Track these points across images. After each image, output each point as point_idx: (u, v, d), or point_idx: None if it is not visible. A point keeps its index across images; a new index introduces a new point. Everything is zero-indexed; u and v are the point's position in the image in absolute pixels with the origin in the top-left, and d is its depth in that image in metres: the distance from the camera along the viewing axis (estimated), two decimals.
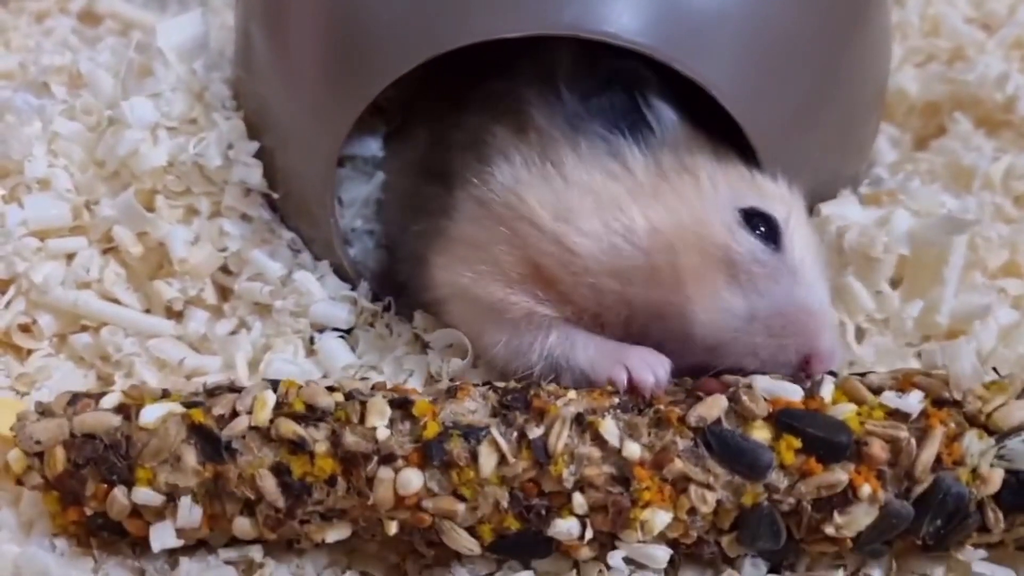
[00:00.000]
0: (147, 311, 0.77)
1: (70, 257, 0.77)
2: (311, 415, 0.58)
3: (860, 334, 0.70)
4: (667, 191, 0.63)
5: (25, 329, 0.75)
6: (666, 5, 0.65)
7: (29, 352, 0.76)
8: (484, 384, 0.62)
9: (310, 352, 0.74)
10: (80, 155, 0.79)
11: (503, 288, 0.64)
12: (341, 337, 0.75)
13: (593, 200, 0.63)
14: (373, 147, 0.84)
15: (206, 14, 0.85)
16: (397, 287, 0.77)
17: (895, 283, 0.72)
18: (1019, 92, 0.89)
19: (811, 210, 0.72)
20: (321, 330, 0.75)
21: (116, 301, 0.76)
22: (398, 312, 0.77)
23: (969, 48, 0.96)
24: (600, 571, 0.59)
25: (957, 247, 0.68)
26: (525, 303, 0.64)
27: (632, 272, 0.61)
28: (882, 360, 0.69)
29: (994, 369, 0.63)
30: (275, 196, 0.78)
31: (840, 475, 0.55)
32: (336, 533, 0.59)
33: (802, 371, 0.60)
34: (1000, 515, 0.56)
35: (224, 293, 0.79)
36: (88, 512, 0.60)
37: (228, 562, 0.61)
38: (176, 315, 0.77)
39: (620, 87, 0.66)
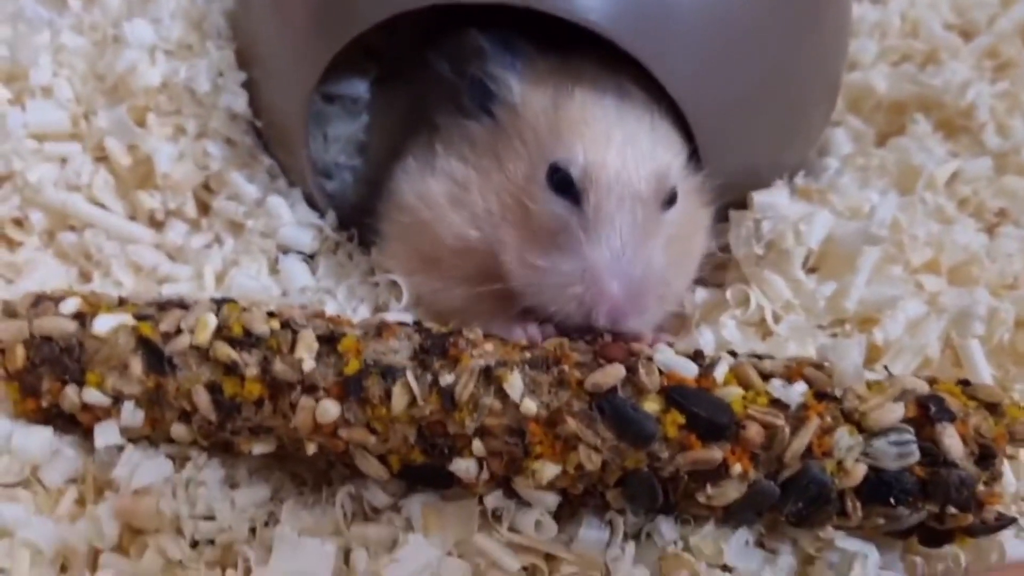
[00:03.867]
0: (132, 218, 0.79)
1: (64, 161, 0.79)
2: (247, 340, 0.60)
3: (776, 318, 0.71)
4: (496, 165, 0.65)
5: (17, 223, 0.78)
6: None
7: (19, 244, 0.78)
8: (414, 324, 0.64)
9: (274, 271, 0.77)
10: (83, 68, 0.81)
11: (408, 273, 0.70)
12: (304, 261, 0.77)
13: (451, 187, 0.66)
14: (361, 89, 0.84)
15: None
16: (366, 221, 0.78)
17: (814, 268, 0.73)
18: (979, 100, 0.88)
19: (744, 199, 0.72)
20: (286, 252, 0.77)
21: (102, 206, 0.79)
22: (362, 243, 0.78)
23: (943, 52, 0.95)
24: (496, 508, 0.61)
25: (869, 253, 0.69)
26: (426, 285, 0.69)
27: (481, 250, 0.65)
28: (794, 337, 0.70)
29: (885, 367, 0.64)
30: (258, 124, 0.80)
31: (716, 453, 0.56)
32: (262, 447, 0.62)
33: (591, 324, 0.61)
34: (858, 505, 0.57)
35: (204, 208, 0.81)
36: (44, 404, 0.63)
37: (169, 456, 0.64)
38: (158, 224, 0.80)
39: (461, 67, 0.68)
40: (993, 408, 0.59)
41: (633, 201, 0.61)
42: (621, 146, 0.63)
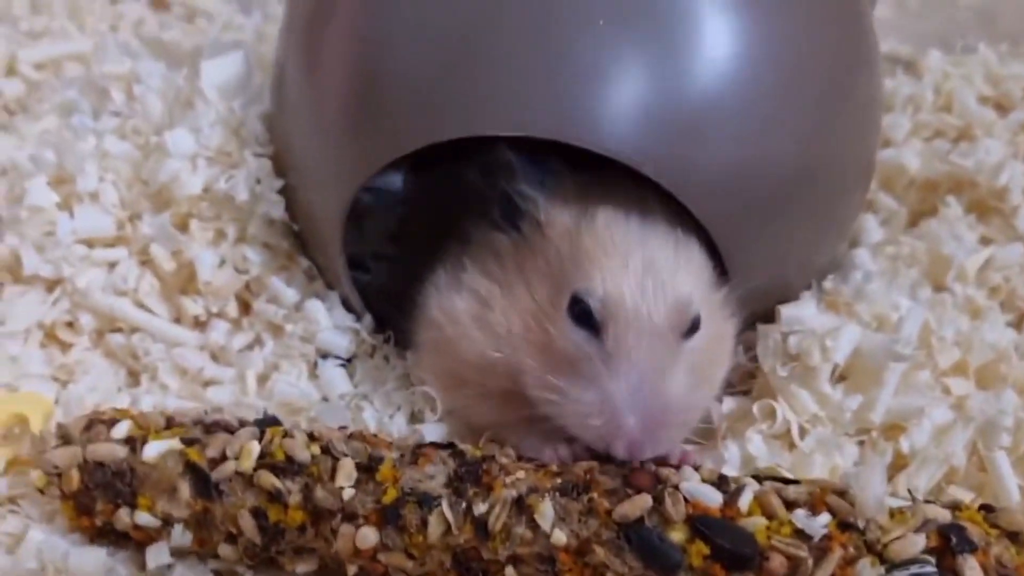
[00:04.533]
0: (176, 320, 0.83)
1: (111, 265, 0.83)
2: (289, 467, 0.63)
3: (803, 432, 0.72)
4: (521, 281, 0.67)
5: (68, 326, 0.82)
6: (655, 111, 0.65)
7: (70, 346, 0.82)
8: (447, 447, 0.66)
9: (313, 376, 0.79)
10: (127, 173, 0.84)
11: (440, 388, 0.72)
12: (342, 365, 0.80)
13: (475, 305, 0.68)
14: (396, 182, 0.86)
15: (249, 54, 0.87)
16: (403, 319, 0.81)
17: (843, 377, 0.74)
18: (1013, 182, 0.88)
19: (772, 312, 0.73)
20: (325, 356, 0.80)
21: (148, 310, 0.82)
22: (398, 343, 0.81)
23: (977, 128, 0.95)
24: None
25: (895, 368, 0.70)
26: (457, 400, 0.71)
27: (504, 370, 0.66)
28: (820, 449, 0.70)
29: (909, 491, 0.65)
30: (295, 228, 0.82)
31: None
32: (305, 567, 0.65)
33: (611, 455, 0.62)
34: None
35: (245, 307, 0.84)
36: (98, 523, 0.67)
37: (215, 571, 0.67)
38: (200, 325, 0.83)
39: (491, 181, 0.68)
40: (1015, 537, 0.60)
41: (652, 335, 0.62)
42: (642, 277, 0.63)
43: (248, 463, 0.63)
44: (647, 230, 0.66)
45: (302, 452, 0.64)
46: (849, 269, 0.81)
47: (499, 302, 0.67)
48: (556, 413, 0.64)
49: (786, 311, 0.72)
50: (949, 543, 0.58)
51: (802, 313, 0.71)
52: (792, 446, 0.70)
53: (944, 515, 0.60)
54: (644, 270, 0.64)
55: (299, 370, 0.78)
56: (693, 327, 0.65)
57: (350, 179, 0.73)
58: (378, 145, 0.71)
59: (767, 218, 0.70)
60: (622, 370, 0.62)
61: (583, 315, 0.63)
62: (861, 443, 0.72)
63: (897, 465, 0.70)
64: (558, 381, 0.63)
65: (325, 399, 0.76)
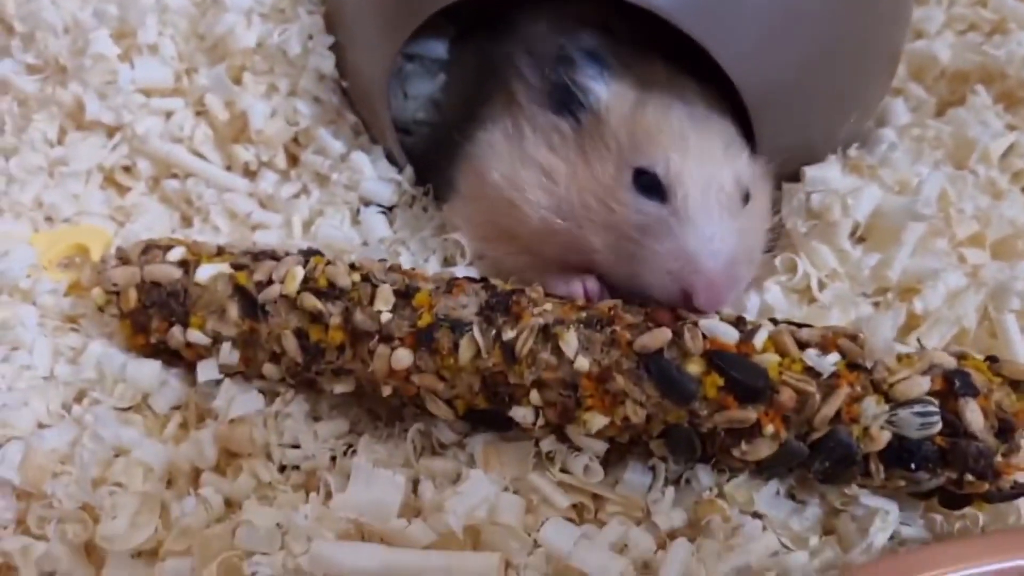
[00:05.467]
0: (228, 168, 0.86)
1: (168, 114, 0.87)
2: (331, 292, 0.67)
3: (821, 285, 0.74)
4: (583, 162, 0.70)
5: (126, 170, 0.86)
6: None
7: (127, 190, 0.86)
8: (480, 281, 0.69)
9: (355, 222, 0.83)
10: (185, 27, 0.87)
11: (481, 240, 0.75)
12: (382, 212, 0.83)
13: (538, 173, 0.71)
14: (440, 49, 0.89)
15: None
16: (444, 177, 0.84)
17: (862, 239, 0.76)
18: None
19: (797, 172, 0.76)
20: (368, 204, 0.84)
21: (202, 157, 0.86)
22: (436, 198, 0.84)
23: (1011, 22, 0.95)
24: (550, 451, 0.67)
25: (914, 228, 0.72)
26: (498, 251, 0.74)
27: (564, 235, 0.69)
28: (837, 304, 0.73)
29: (918, 340, 0.68)
30: (344, 84, 0.85)
31: (750, 414, 0.61)
32: (343, 387, 0.69)
33: (685, 305, 0.65)
34: (881, 468, 0.61)
35: (293, 160, 0.87)
36: (153, 340, 0.71)
37: (260, 390, 0.71)
38: (251, 174, 0.87)
39: (556, 66, 0.72)
40: (1017, 385, 0.62)
41: (718, 194, 0.66)
42: (702, 148, 0.67)
43: (293, 286, 0.67)
44: (695, 112, 0.70)
45: (343, 278, 0.67)
46: (875, 143, 0.82)
47: (563, 176, 0.70)
48: (630, 273, 0.67)
49: (811, 171, 0.74)
50: (952, 387, 0.61)
51: (826, 174, 0.73)
52: (811, 300, 0.72)
53: (950, 362, 0.63)
54: (702, 143, 0.67)
55: (342, 216, 0.81)
56: (746, 196, 0.69)
57: (395, 35, 0.75)
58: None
59: (795, 87, 0.72)
60: (695, 223, 0.65)
61: (650, 185, 0.67)
62: (876, 304, 0.74)
63: (910, 326, 0.73)
64: (628, 244, 0.67)
65: (365, 243, 0.80)
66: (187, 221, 0.85)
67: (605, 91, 0.71)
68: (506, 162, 0.73)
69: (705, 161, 0.67)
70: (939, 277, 0.72)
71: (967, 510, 0.65)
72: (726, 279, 0.65)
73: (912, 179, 0.75)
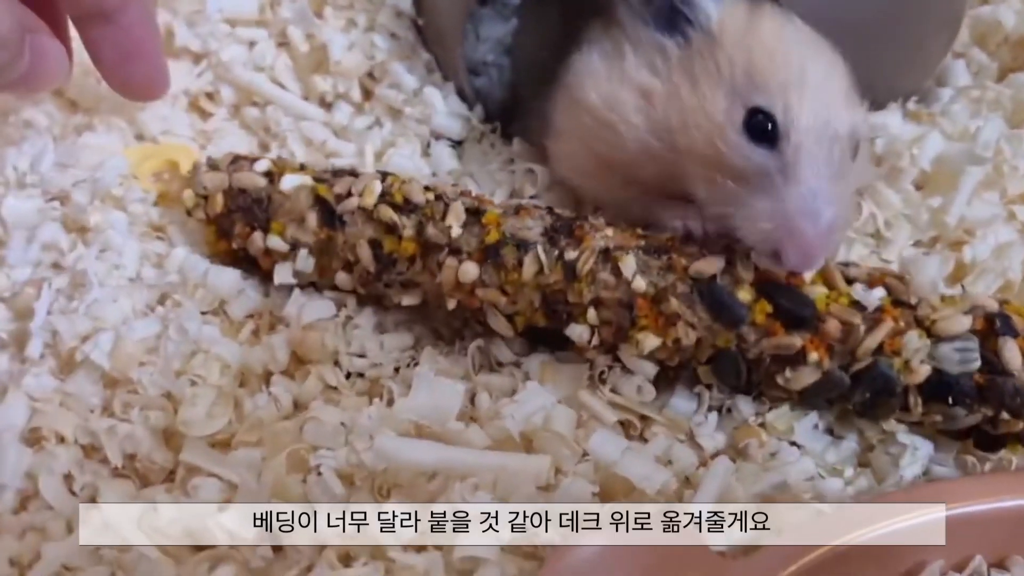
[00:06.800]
0: (305, 98, 0.91)
1: (252, 44, 0.91)
2: (406, 206, 0.71)
3: (887, 225, 0.77)
4: (690, 86, 0.66)
5: (209, 96, 0.91)
6: None
7: (210, 115, 0.91)
8: (547, 208, 0.72)
9: (425, 154, 0.87)
10: None
11: (580, 175, 0.76)
12: (452, 146, 0.87)
13: (638, 95, 0.69)
14: None
15: None
16: (509, 116, 0.88)
17: (919, 187, 0.79)
18: None
19: None
20: (438, 137, 0.87)
21: (282, 86, 0.90)
22: (502, 135, 0.88)
23: None
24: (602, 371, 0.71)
25: (972, 173, 0.74)
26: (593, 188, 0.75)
27: (662, 160, 0.68)
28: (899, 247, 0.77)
29: (962, 285, 0.71)
30: (419, 22, 0.90)
31: (796, 340, 0.63)
32: (410, 299, 0.72)
33: (774, 261, 0.63)
34: (919, 401, 0.64)
35: (367, 93, 0.91)
36: (234, 246, 0.76)
37: (330, 300, 0.75)
38: (327, 105, 0.91)
39: None
40: None
41: (832, 143, 0.63)
42: (822, 90, 0.64)
43: (370, 199, 0.71)
44: (808, 38, 0.67)
45: (418, 195, 0.71)
46: (933, 100, 0.85)
47: (663, 98, 0.67)
48: (723, 213, 0.65)
49: (873, 118, 0.76)
50: (993, 327, 0.64)
51: (888, 121, 0.76)
52: (879, 239, 0.75)
53: (993, 304, 0.65)
54: (822, 81, 0.64)
55: (413, 147, 0.85)
56: (856, 150, 0.66)
57: None
58: None
59: (857, 36, 0.72)
60: (800, 179, 0.62)
61: (761, 129, 0.63)
62: (926, 254, 0.77)
63: (957, 276, 0.75)
64: (728, 187, 0.64)
65: (435, 174, 0.84)
66: (265, 147, 0.89)
67: (716, 6, 0.68)
68: (603, 83, 0.70)
69: (825, 104, 0.63)
70: (990, 226, 0.74)
71: (1001, 452, 0.67)
72: (821, 246, 0.62)
73: (971, 128, 0.77)
